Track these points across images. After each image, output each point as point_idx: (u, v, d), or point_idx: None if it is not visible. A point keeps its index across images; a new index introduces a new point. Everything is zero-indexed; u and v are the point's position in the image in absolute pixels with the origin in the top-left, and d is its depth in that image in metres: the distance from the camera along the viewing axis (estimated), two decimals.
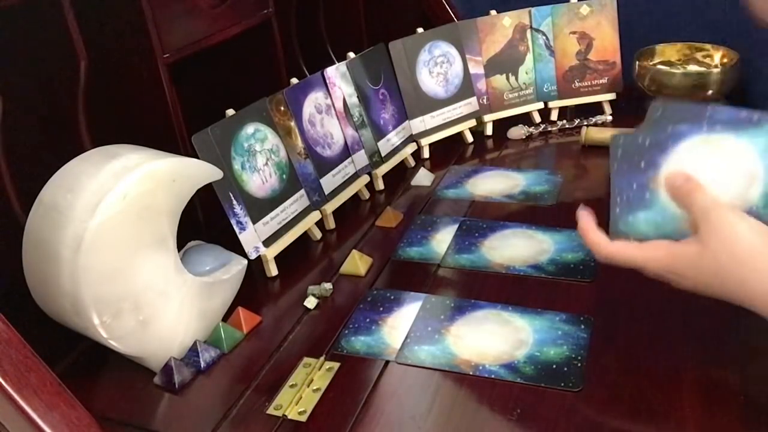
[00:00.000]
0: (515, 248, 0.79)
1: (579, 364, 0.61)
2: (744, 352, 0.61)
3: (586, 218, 0.58)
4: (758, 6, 0.62)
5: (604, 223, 0.57)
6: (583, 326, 0.66)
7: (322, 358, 0.65)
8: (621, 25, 1.09)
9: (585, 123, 1.08)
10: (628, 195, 0.54)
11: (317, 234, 0.87)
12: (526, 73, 1.10)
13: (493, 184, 0.96)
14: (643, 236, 0.54)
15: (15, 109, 0.69)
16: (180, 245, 0.68)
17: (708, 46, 1.15)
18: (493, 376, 0.61)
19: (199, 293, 0.68)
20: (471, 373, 0.61)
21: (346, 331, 0.69)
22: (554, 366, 0.61)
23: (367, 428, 0.57)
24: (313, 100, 0.89)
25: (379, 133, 0.97)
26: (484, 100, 1.09)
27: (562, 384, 0.59)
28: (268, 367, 0.65)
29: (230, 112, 0.77)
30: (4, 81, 0.68)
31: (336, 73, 0.92)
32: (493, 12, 1.08)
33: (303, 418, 0.58)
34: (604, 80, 1.11)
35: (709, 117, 0.55)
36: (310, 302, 0.74)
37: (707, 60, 1.15)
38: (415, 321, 0.69)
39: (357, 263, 0.78)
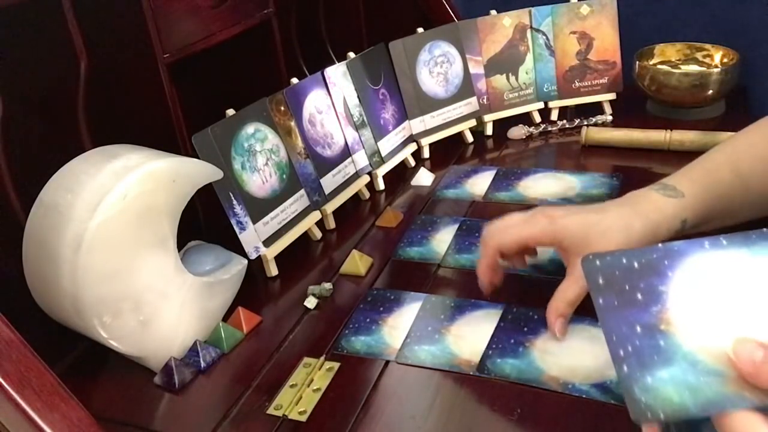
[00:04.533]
0: None
1: None
2: None
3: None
4: None
5: None
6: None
7: (322, 358, 0.65)
8: (621, 25, 1.09)
9: (585, 123, 1.08)
10: (634, 344, 0.38)
11: (317, 234, 0.87)
12: (526, 73, 1.10)
13: None
14: (679, 410, 0.36)
15: (15, 109, 0.69)
16: (180, 245, 0.68)
17: (708, 46, 1.15)
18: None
19: (199, 293, 0.68)
20: (471, 373, 0.61)
21: (346, 331, 0.69)
22: None
23: (367, 428, 0.57)
24: (313, 100, 0.89)
25: (379, 133, 0.97)
26: (484, 100, 1.09)
27: None
28: (268, 367, 0.65)
29: (230, 112, 0.77)
30: (4, 81, 0.68)
31: (336, 73, 0.92)
32: (493, 12, 1.08)
33: (303, 418, 0.58)
34: (604, 80, 1.11)
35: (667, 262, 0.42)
36: (310, 302, 0.74)
37: (707, 60, 1.15)
38: (415, 321, 0.69)
39: (357, 263, 0.78)
